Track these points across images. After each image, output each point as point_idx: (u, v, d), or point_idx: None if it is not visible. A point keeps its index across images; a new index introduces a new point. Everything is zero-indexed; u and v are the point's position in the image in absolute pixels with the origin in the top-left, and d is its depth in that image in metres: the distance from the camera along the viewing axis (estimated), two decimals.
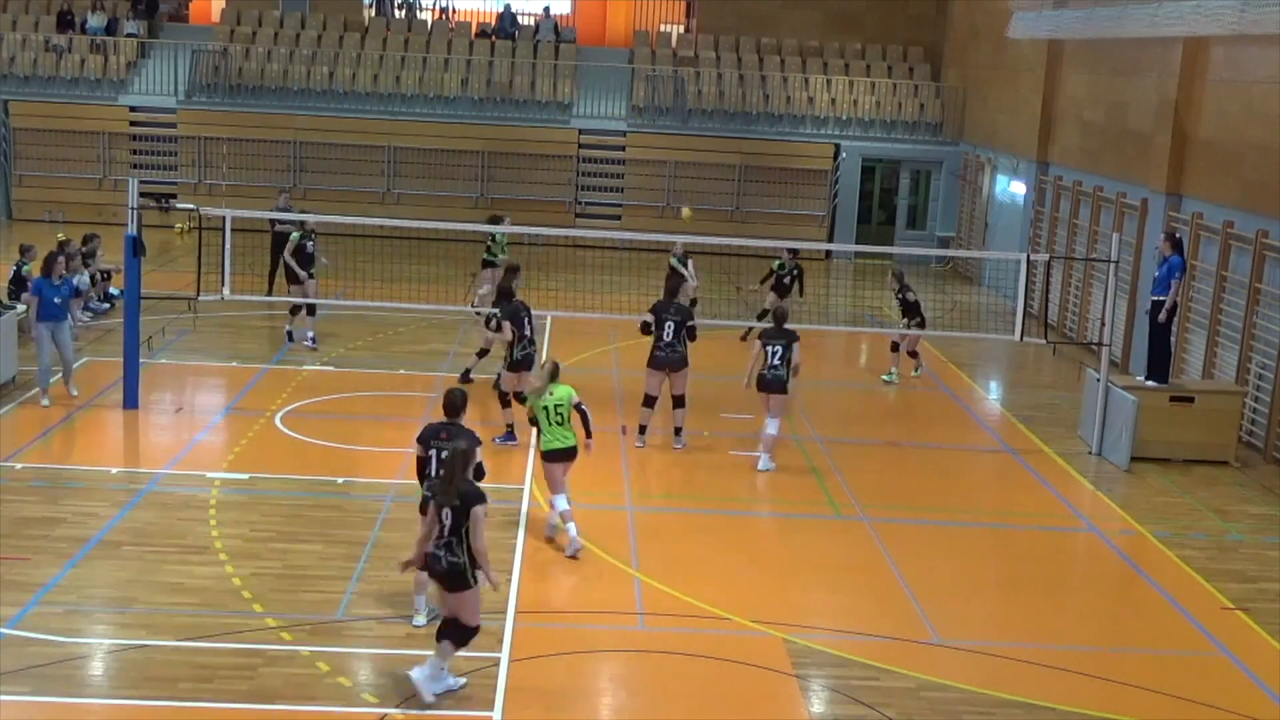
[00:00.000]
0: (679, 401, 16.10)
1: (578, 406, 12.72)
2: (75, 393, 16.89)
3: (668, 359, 15.93)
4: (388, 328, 21.72)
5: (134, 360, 16.66)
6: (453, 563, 9.60)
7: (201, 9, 39.49)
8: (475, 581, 9.64)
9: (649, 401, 16.13)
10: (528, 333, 15.72)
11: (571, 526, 12.60)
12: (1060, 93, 26.08)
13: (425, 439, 10.92)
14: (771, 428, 15.59)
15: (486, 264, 21.74)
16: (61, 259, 17.51)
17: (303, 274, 20.30)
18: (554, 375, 12.73)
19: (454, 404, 10.91)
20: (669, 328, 15.89)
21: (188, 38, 33.22)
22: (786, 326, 15.72)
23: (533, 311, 16.08)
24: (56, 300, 16.87)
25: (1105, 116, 23.73)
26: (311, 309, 20.31)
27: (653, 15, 41.09)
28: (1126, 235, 20.91)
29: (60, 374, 17.02)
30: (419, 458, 10.98)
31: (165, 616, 10.89)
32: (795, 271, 21.45)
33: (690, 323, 16.03)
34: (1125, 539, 14.18)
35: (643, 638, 11.13)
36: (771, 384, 15.48)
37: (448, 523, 9.61)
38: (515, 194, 31.63)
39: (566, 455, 12.71)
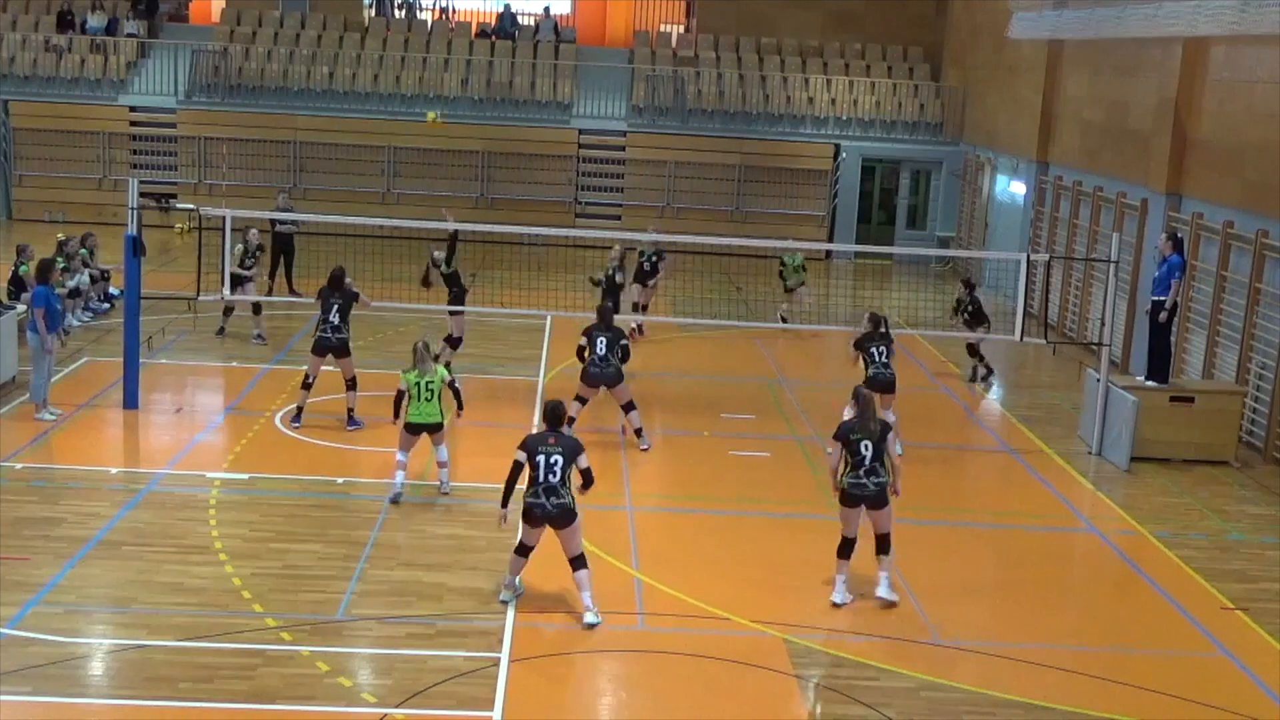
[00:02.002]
0: (629, 407, 16.17)
1: (450, 385, 13.98)
2: (59, 413, 16.26)
3: (601, 375, 16.04)
4: (387, 328, 21.72)
5: (134, 360, 16.65)
6: (879, 483, 11.76)
7: (201, 9, 39.48)
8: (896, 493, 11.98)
9: (580, 399, 16.24)
10: (332, 318, 16.20)
11: (400, 474, 13.85)
12: (1060, 93, 26.07)
13: (530, 447, 11.21)
14: (890, 417, 16.09)
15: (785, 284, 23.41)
16: (59, 264, 17.39)
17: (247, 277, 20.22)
18: (428, 353, 13.75)
19: (557, 414, 11.50)
20: (600, 343, 16.00)
21: (188, 38, 33.23)
22: (884, 330, 16.33)
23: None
24: (59, 307, 16.88)
25: (1105, 116, 23.72)
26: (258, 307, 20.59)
27: (653, 15, 41.09)
28: (1126, 235, 20.89)
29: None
30: (516, 463, 11.18)
31: (165, 616, 10.89)
32: (972, 305, 20.19)
33: (623, 342, 16.15)
34: (1125, 539, 14.17)
35: (643, 638, 11.13)
36: (888, 382, 16.04)
37: (868, 454, 11.69)
38: (515, 194, 31.64)
39: (427, 429, 13.84)
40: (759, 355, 21.50)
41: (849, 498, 11.80)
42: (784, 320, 22.65)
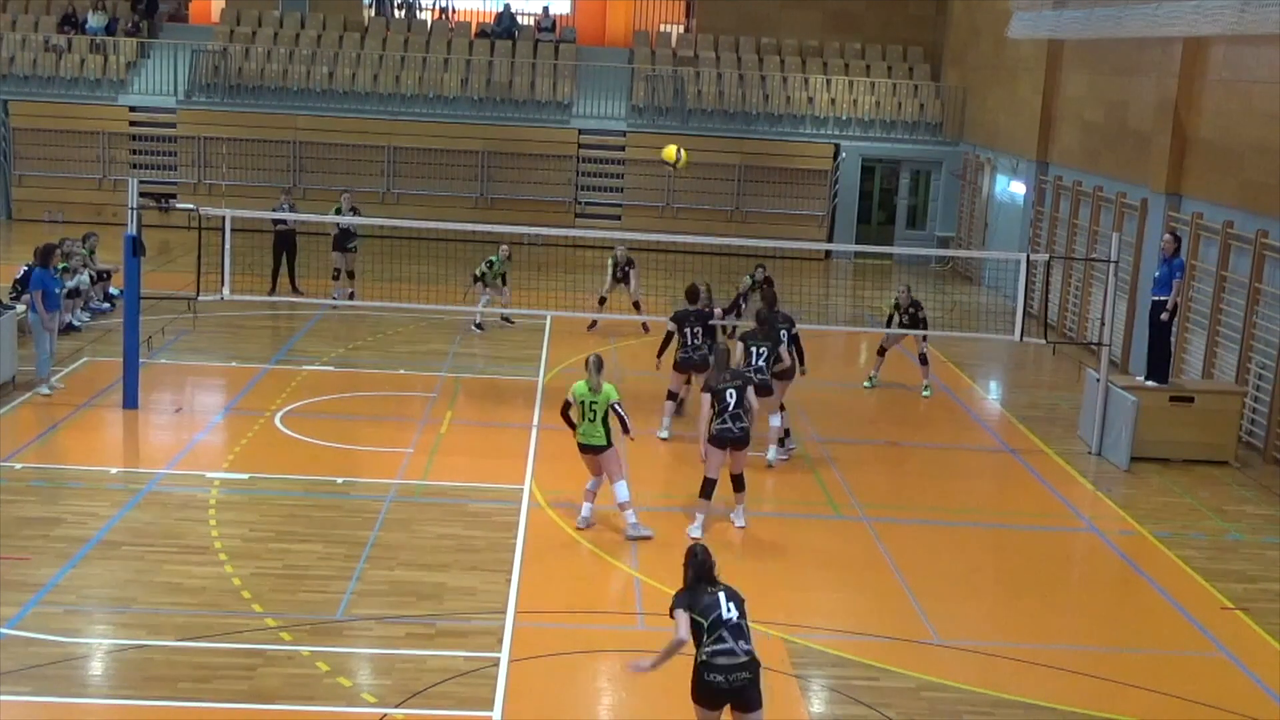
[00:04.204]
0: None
1: (614, 407, 13.04)
2: (61, 387, 17.25)
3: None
4: (388, 328, 21.72)
5: (134, 360, 16.65)
6: (742, 427, 13.29)
7: (201, 9, 39.48)
8: None
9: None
10: None
11: (586, 505, 13.45)
12: (1060, 93, 26.07)
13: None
14: (774, 420, 15.91)
15: None
16: (59, 251, 18.06)
17: None
18: (600, 370, 13.13)
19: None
20: (757, 352, 15.45)
21: (187, 38, 33.23)
22: (774, 328, 15.90)
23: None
24: (57, 290, 17.48)
25: (1105, 116, 23.72)
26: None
27: (652, 15, 41.09)
28: (1126, 235, 20.90)
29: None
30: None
31: (165, 616, 10.89)
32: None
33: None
34: (1125, 539, 14.17)
35: (643, 638, 11.12)
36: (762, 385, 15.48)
37: (732, 400, 13.13)
38: (515, 194, 31.64)
39: (592, 450, 13.20)
40: None
41: (718, 440, 13.18)
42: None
